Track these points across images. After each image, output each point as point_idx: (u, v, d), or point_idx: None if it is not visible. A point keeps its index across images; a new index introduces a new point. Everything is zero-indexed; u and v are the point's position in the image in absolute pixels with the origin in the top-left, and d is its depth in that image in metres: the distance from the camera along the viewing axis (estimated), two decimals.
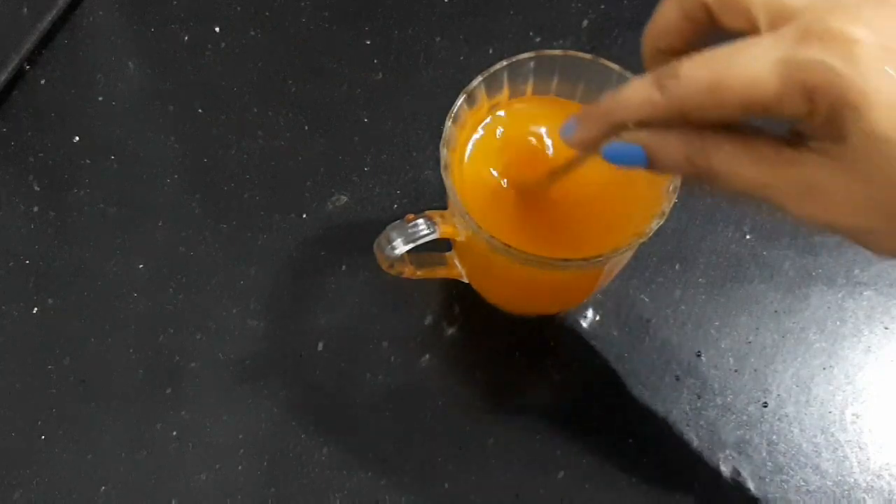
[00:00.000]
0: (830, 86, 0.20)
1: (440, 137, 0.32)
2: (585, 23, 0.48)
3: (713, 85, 0.22)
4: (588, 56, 0.34)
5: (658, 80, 0.23)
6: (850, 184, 0.22)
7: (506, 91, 0.35)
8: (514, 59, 0.34)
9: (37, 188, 0.45)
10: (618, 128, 0.25)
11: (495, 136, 0.35)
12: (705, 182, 0.24)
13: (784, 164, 0.23)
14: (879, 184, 0.21)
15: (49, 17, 0.48)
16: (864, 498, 0.37)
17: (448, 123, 0.33)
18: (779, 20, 0.22)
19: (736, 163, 0.23)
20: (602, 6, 0.49)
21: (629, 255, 0.34)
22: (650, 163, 0.25)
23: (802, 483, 0.38)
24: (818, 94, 0.21)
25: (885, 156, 0.20)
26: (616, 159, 0.26)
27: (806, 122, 0.22)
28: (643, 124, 0.24)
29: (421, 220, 0.33)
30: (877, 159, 0.21)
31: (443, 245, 0.36)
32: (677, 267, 0.42)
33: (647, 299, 0.41)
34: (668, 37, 0.26)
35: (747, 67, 0.22)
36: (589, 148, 0.26)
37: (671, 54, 0.25)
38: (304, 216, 0.44)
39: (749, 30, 0.23)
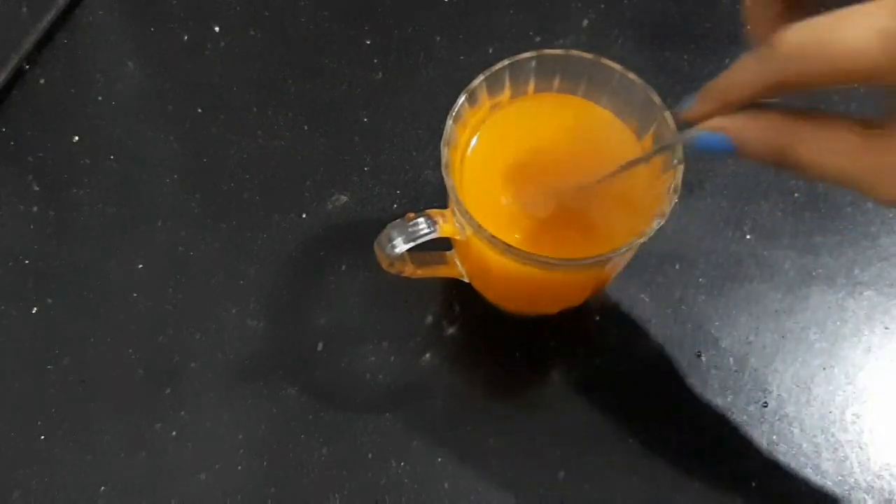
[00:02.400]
0: None
1: (440, 137, 0.32)
2: (586, 22, 0.48)
3: (817, 52, 0.22)
4: (589, 55, 0.34)
5: (764, 53, 0.23)
6: None
7: (507, 90, 0.35)
8: (515, 59, 0.34)
9: (36, 188, 0.45)
10: (731, 106, 0.25)
11: (496, 135, 0.35)
12: (792, 170, 0.24)
13: (872, 151, 0.22)
14: None
15: (49, 17, 0.48)
16: (864, 498, 0.37)
17: (449, 122, 0.33)
18: None
19: (823, 152, 0.23)
20: (602, 6, 0.49)
21: (629, 255, 0.34)
22: (738, 151, 0.25)
23: (803, 483, 0.38)
24: None
25: None
26: (706, 148, 0.26)
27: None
28: (752, 100, 0.24)
29: (421, 219, 0.33)
30: None
31: (443, 244, 0.36)
32: (677, 267, 0.42)
33: (647, 299, 0.41)
34: (769, 3, 0.25)
35: (851, 36, 0.21)
36: (701, 120, 0.26)
37: (774, 21, 0.25)
38: (304, 216, 0.44)
39: None
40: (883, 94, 0.22)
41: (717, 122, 0.25)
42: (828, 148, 0.23)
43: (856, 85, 0.22)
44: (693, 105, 0.26)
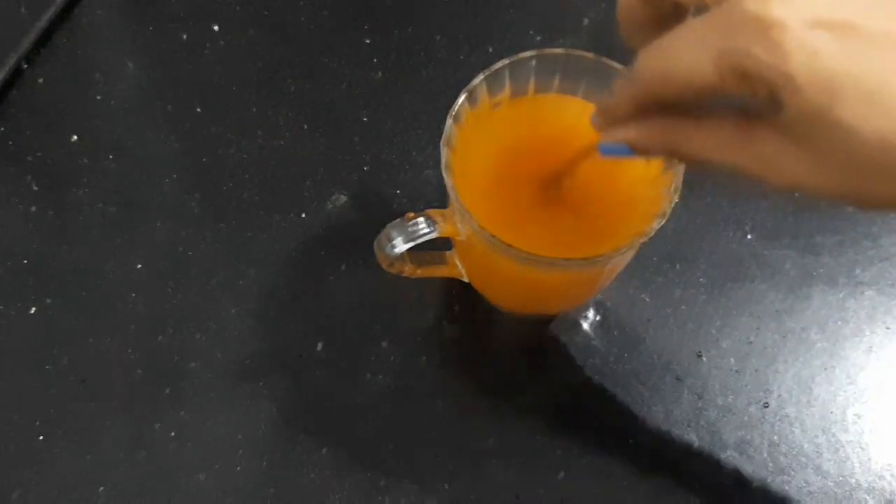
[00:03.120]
0: (758, 71, 0.21)
1: (440, 137, 0.32)
2: (586, 21, 0.48)
3: (662, 76, 0.24)
4: (590, 55, 0.34)
5: (629, 75, 0.25)
6: (800, 153, 0.22)
7: (507, 90, 0.35)
8: (515, 58, 0.34)
9: (35, 188, 0.45)
10: (619, 120, 0.27)
11: (496, 134, 0.35)
12: (686, 163, 0.26)
13: (745, 143, 0.24)
14: (825, 152, 0.22)
15: (47, 16, 0.48)
16: (865, 498, 0.37)
17: (449, 122, 0.33)
18: None
19: (705, 148, 0.25)
20: (603, 5, 0.49)
21: (630, 254, 0.34)
22: (636, 153, 0.27)
23: (804, 484, 0.37)
24: (751, 79, 0.22)
25: (820, 127, 0.21)
26: (610, 154, 0.28)
27: (754, 100, 0.23)
28: (635, 114, 0.26)
29: (421, 219, 0.33)
30: (815, 131, 0.22)
31: (443, 244, 0.36)
32: (678, 267, 0.42)
33: (647, 299, 0.41)
34: (634, 14, 0.27)
35: (686, 58, 0.23)
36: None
37: (650, 27, 0.26)
38: (304, 216, 0.44)
39: (695, 3, 0.24)
40: None
41: (614, 132, 0.27)
42: (710, 144, 0.24)
43: (707, 98, 0.23)
44: (594, 122, 0.28)
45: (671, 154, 0.26)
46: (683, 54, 0.23)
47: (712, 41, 0.22)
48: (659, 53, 0.24)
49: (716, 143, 0.24)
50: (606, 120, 0.27)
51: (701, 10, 0.23)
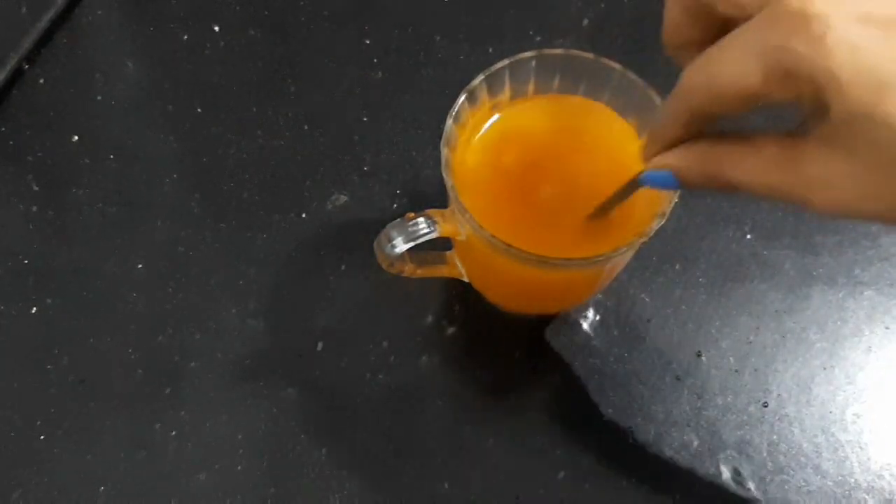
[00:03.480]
0: (801, 70, 0.21)
1: (440, 137, 0.32)
2: (586, 22, 0.48)
3: (707, 86, 0.23)
4: (590, 55, 0.34)
5: (675, 91, 0.24)
6: (846, 165, 0.22)
7: (507, 90, 0.35)
8: (515, 58, 0.34)
9: (35, 187, 0.45)
10: (671, 144, 0.26)
11: (496, 135, 0.35)
12: (734, 192, 0.25)
13: (789, 162, 0.23)
14: (872, 157, 0.21)
15: (48, 17, 0.48)
16: (865, 498, 0.37)
17: (449, 122, 0.33)
18: (762, 3, 0.22)
19: (749, 172, 0.24)
20: (602, 5, 0.49)
21: (629, 254, 0.34)
22: (679, 183, 0.26)
23: (803, 483, 0.38)
24: (797, 80, 0.21)
25: (866, 127, 0.21)
26: (653, 184, 0.27)
27: (801, 107, 0.22)
28: (685, 136, 0.25)
29: (421, 219, 0.33)
30: (862, 132, 0.21)
31: (443, 244, 0.36)
32: (678, 267, 0.42)
33: (647, 299, 0.41)
34: (680, 34, 0.26)
35: (730, 63, 0.22)
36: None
37: (696, 46, 0.25)
38: (304, 216, 0.44)
39: (743, 17, 0.23)
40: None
41: (657, 160, 0.26)
42: (753, 167, 0.24)
43: (755, 108, 0.23)
44: (644, 151, 0.28)
45: (714, 182, 0.25)
46: (727, 60, 0.22)
47: (755, 42, 0.22)
48: (703, 63, 0.23)
49: (760, 164, 0.23)
50: (652, 147, 0.27)
51: None
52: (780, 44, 0.21)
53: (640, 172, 0.27)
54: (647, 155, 0.27)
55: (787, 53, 0.21)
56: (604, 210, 0.32)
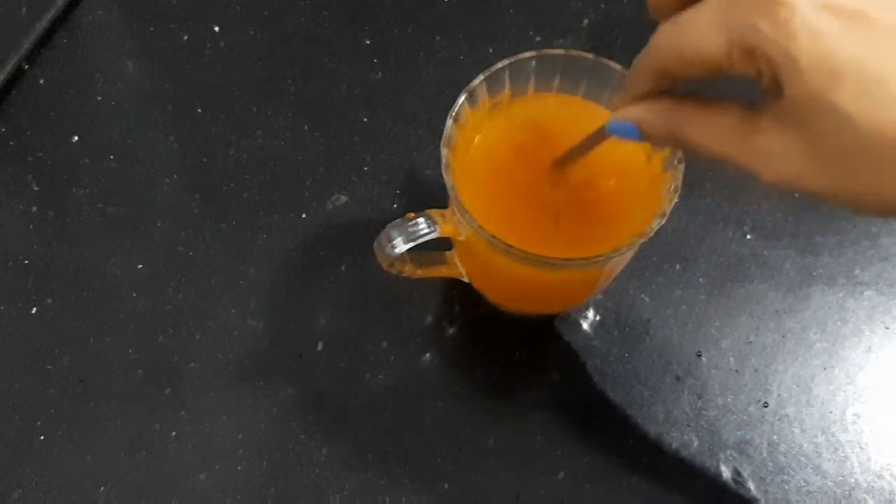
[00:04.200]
0: (762, 48, 0.21)
1: (440, 137, 0.32)
2: (586, 22, 0.48)
3: (675, 49, 0.24)
4: (589, 55, 0.34)
5: (646, 49, 0.26)
6: (796, 144, 0.22)
7: (507, 90, 0.35)
8: (515, 59, 0.34)
9: (36, 188, 0.45)
10: (637, 99, 0.27)
11: (497, 135, 0.35)
12: (688, 153, 0.27)
13: (746, 133, 0.24)
14: (820, 140, 0.22)
15: (48, 17, 0.48)
16: (865, 498, 0.37)
17: (449, 122, 0.33)
18: None
19: (707, 135, 0.25)
20: (602, 5, 0.49)
21: (630, 255, 0.34)
22: (641, 136, 0.27)
23: (803, 483, 0.38)
24: (757, 58, 0.22)
25: (818, 112, 0.21)
26: (617, 133, 0.28)
27: (761, 83, 0.23)
28: (654, 89, 0.26)
29: (421, 219, 0.33)
30: (813, 116, 0.22)
31: (443, 244, 0.36)
32: (678, 267, 0.42)
33: (647, 299, 0.41)
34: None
35: (698, 31, 0.23)
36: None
37: (676, 6, 0.26)
38: (304, 216, 0.44)
39: None
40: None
41: (623, 111, 0.27)
42: (710, 131, 0.25)
43: (716, 77, 0.24)
44: (615, 102, 0.29)
45: (673, 139, 0.26)
46: (696, 28, 0.23)
47: (724, 16, 0.22)
48: (673, 27, 0.24)
49: (717, 130, 0.24)
50: (622, 99, 0.28)
51: None
52: (746, 22, 0.22)
53: (605, 124, 0.28)
54: (617, 105, 0.28)
55: (752, 32, 0.21)
56: (570, 158, 0.33)
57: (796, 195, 0.24)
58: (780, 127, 0.23)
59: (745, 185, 0.44)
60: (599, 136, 0.30)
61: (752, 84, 0.23)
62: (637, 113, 0.27)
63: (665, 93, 0.26)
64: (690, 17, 0.24)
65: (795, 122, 0.22)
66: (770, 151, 0.23)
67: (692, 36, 0.23)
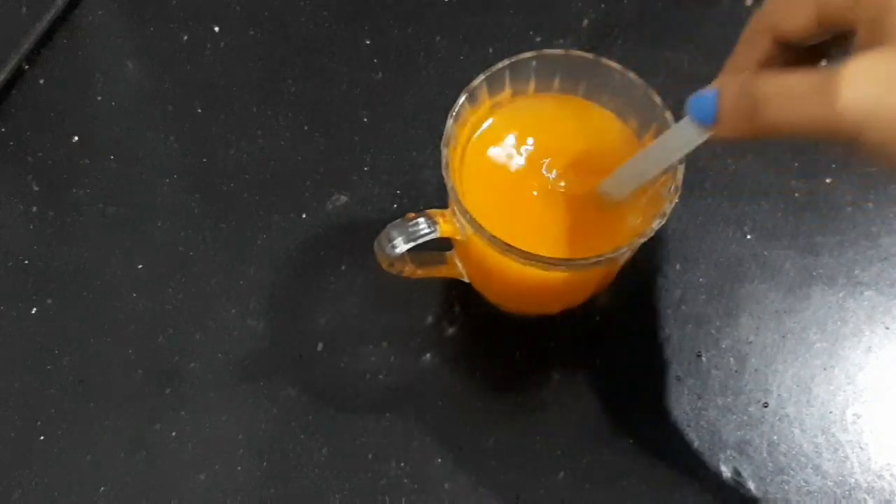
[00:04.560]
0: None
1: (440, 137, 0.32)
2: (586, 22, 0.48)
3: (773, 13, 0.26)
4: (590, 56, 0.34)
5: (750, 21, 0.27)
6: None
7: (507, 90, 0.35)
8: (515, 59, 0.34)
9: (36, 188, 0.45)
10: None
11: (497, 135, 0.35)
12: (768, 132, 0.24)
13: (829, 90, 0.22)
14: None
15: (48, 17, 0.48)
16: (865, 498, 0.37)
17: (449, 122, 0.33)
18: None
19: (789, 98, 0.23)
20: (602, 6, 0.49)
21: (629, 254, 0.34)
22: (716, 112, 0.25)
23: (803, 483, 0.38)
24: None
25: None
26: (697, 111, 0.26)
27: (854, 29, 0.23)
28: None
29: (421, 219, 0.33)
30: None
31: (443, 244, 0.36)
32: (678, 267, 0.42)
33: (647, 299, 0.41)
34: None
35: None
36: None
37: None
38: (304, 216, 0.44)
39: None
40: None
41: (716, 82, 0.26)
42: (792, 92, 0.23)
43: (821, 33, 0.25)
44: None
45: (751, 107, 0.24)
46: None
47: None
48: None
49: (800, 89, 0.23)
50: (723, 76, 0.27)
51: None
52: None
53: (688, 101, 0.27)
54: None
55: None
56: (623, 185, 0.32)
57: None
58: (875, 68, 0.22)
59: (745, 185, 0.44)
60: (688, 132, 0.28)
61: None
62: (719, 82, 0.26)
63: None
64: None
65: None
66: (861, 93, 0.22)
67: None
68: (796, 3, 0.25)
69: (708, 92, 0.26)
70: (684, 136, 0.28)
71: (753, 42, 0.27)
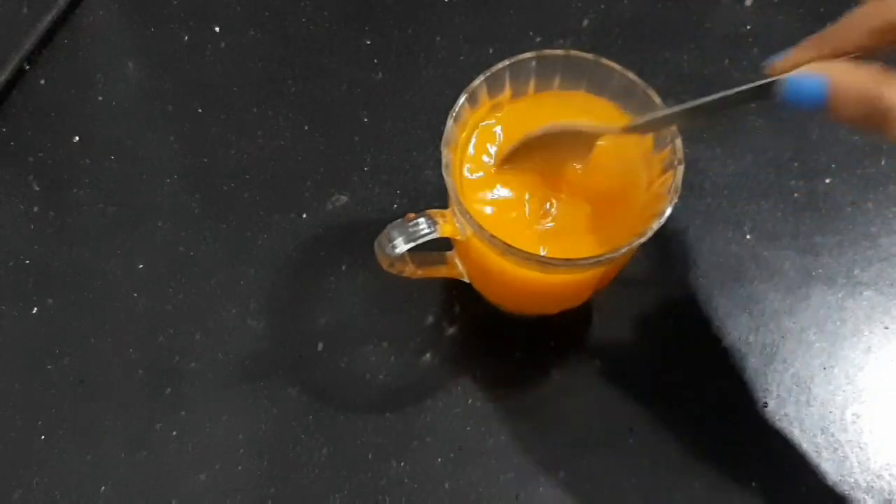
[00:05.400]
0: None
1: (440, 137, 0.32)
2: (586, 22, 0.48)
3: None
4: (589, 56, 0.34)
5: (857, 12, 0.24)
6: None
7: (507, 90, 0.35)
8: (515, 59, 0.34)
9: (36, 188, 0.45)
10: (835, 55, 0.24)
11: (497, 135, 0.35)
12: (881, 126, 0.23)
13: None
14: None
15: (49, 17, 0.48)
16: (864, 498, 0.37)
17: (449, 122, 0.33)
18: None
19: None
20: (602, 6, 0.49)
21: (629, 255, 0.34)
22: (829, 100, 0.24)
23: (803, 483, 0.38)
24: None
25: None
26: (797, 94, 0.24)
27: None
28: (859, 50, 0.24)
29: (422, 219, 0.33)
30: None
31: (443, 244, 0.36)
32: (678, 267, 0.42)
33: (647, 299, 0.41)
34: None
35: None
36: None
37: None
38: (304, 216, 0.44)
39: None
40: None
41: (816, 65, 0.24)
42: None
43: None
44: (791, 54, 0.25)
45: (870, 108, 0.23)
46: None
47: None
48: None
49: None
50: (818, 50, 0.24)
51: None
52: None
53: (778, 77, 0.24)
54: (798, 59, 0.25)
55: None
56: (713, 110, 0.27)
57: None
58: None
59: (745, 185, 0.44)
60: (756, 93, 0.25)
61: None
62: (838, 69, 0.24)
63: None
64: None
65: None
66: None
67: None
68: None
69: (812, 78, 0.24)
70: (752, 95, 0.25)
71: (859, 27, 0.24)
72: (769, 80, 0.24)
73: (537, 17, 0.49)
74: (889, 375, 0.40)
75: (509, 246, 0.30)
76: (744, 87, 0.25)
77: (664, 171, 0.33)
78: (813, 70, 0.24)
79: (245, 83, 0.48)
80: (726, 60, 0.47)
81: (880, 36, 0.24)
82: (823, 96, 0.23)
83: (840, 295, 0.41)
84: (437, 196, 0.43)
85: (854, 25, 0.24)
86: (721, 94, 0.26)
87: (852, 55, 0.24)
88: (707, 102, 0.27)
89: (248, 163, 0.45)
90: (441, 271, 0.39)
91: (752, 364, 0.40)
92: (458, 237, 0.33)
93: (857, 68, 0.23)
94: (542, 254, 0.31)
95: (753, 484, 0.38)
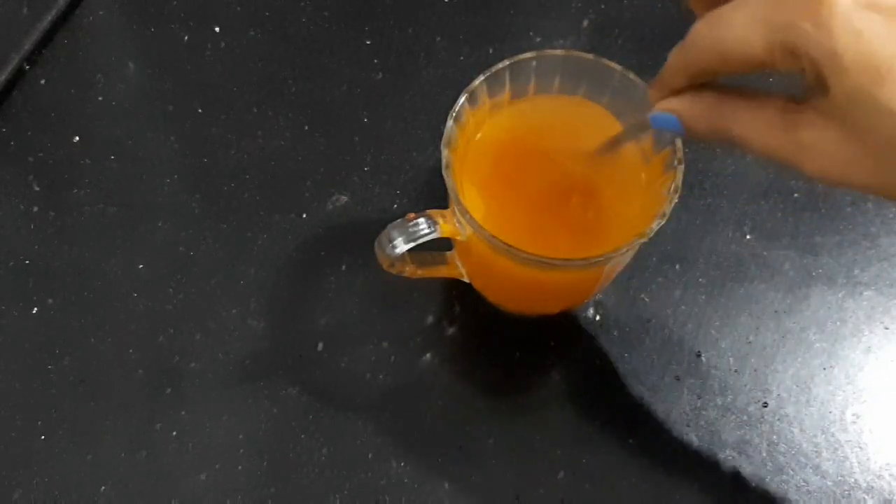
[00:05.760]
0: (805, 48, 0.21)
1: (440, 137, 0.32)
2: (586, 23, 0.48)
3: (713, 46, 0.24)
4: (590, 56, 0.34)
5: (683, 44, 0.25)
6: (842, 139, 0.23)
7: (507, 91, 0.35)
8: (515, 59, 0.34)
9: (36, 188, 0.45)
10: (672, 92, 0.27)
11: (497, 135, 0.35)
12: (732, 147, 0.26)
13: (789, 127, 0.24)
14: (865, 136, 0.22)
15: (49, 17, 0.48)
16: (864, 498, 0.37)
17: (449, 123, 0.33)
18: None
19: (750, 129, 0.25)
20: (602, 6, 0.49)
21: (629, 255, 0.34)
22: (684, 130, 0.27)
23: (803, 483, 0.38)
24: (800, 57, 0.22)
25: (863, 109, 0.21)
26: (660, 125, 0.28)
27: (803, 79, 0.23)
28: (689, 85, 0.26)
29: (422, 219, 0.33)
30: (858, 113, 0.22)
31: (444, 244, 0.36)
32: (677, 267, 0.42)
33: (647, 299, 0.41)
34: None
35: (738, 29, 0.23)
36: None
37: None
38: (304, 216, 0.44)
39: None
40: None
41: (665, 103, 0.27)
42: (755, 126, 0.25)
43: (757, 72, 0.23)
44: (650, 94, 0.28)
45: (715, 133, 0.26)
46: (735, 25, 0.23)
47: (764, 15, 0.22)
48: (712, 23, 0.24)
49: (760, 124, 0.24)
50: (660, 90, 0.27)
51: None
52: (787, 20, 0.22)
53: (647, 114, 0.28)
54: (654, 98, 0.28)
55: (793, 32, 0.21)
56: (610, 148, 0.32)
57: (843, 189, 0.24)
58: (824, 122, 0.23)
59: (745, 185, 0.44)
60: (640, 127, 0.30)
61: (791, 77, 0.23)
62: (679, 106, 0.27)
63: (705, 84, 0.26)
64: (729, 16, 0.23)
65: (840, 118, 0.22)
66: (814, 146, 0.23)
67: (731, 35, 0.23)
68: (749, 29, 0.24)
69: (665, 115, 0.27)
70: (642, 127, 0.30)
71: (692, 63, 0.26)
72: (644, 116, 0.28)
73: (537, 17, 0.49)
74: (889, 375, 0.40)
75: (509, 246, 0.30)
76: (632, 123, 0.31)
77: (664, 171, 0.33)
78: (663, 108, 0.27)
79: (245, 83, 0.48)
80: None
81: (695, 79, 0.26)
82: (681, 128, 0.27)
83: (840, 295, 0.41)
84: (437, 196, 0.43)
85: (673, 72, 0.26)
86: (626, 125, 0.32)
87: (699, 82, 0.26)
88: (619, 134, 0.32)
89: (248, 163, 0.45)
90: (441, 271, 0.39)
91: (752, 364, 0.40)
92: (458, 237, 0.33)
93: (695, 102, 0.26)
94: (542, 254, 0.31)
95: (753, 484, 0.38)
